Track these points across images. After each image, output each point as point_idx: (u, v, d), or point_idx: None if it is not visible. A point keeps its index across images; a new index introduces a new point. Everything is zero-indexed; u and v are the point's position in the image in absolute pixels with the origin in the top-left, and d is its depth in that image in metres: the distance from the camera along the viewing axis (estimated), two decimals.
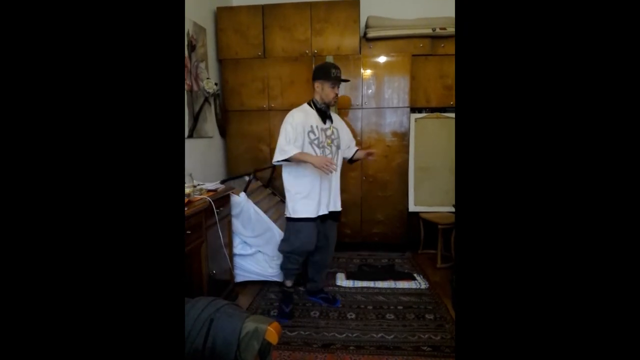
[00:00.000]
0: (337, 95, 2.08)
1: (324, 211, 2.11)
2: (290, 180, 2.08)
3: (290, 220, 2.11)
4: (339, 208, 2.22)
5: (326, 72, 2.03)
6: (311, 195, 2.06)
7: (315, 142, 2.02)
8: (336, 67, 2.06)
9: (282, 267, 2.25)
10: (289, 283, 2.24)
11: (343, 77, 2.07)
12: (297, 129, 1.97)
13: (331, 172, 1.92)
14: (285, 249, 2.17)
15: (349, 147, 2.29)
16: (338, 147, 2.14)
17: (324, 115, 2.10)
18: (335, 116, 2.24)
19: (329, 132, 2.09)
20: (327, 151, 2.07)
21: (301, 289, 2.48)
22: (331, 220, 2.20)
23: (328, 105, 2.09)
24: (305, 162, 1.93)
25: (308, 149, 2.01)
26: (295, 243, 2.11)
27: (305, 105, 2.11)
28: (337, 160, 2.12)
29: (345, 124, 2.33)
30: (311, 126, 2.02)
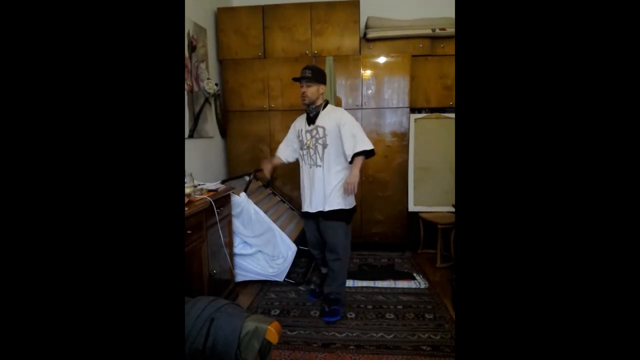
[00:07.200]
0: (303, 93, 2.09)
1: (307, 209, 2.20)
2: None
3: None
4: (324, 208, 2.11)
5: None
6: (301, 192, 2.26)
7: (301, 145, 2.21)
8: (305, 68, 2.10)
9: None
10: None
11: (300, 77, 2.09)
12: (290, 132, 2.30)
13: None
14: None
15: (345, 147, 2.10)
16: (324, 146, 2.08)
17: (309, 117, 2.17)
18: (332, 116, 2.09)
19: (313, 133, 2.14)
20: (312, 152, 2.15)
21: (301, 288, 2.49)
22: (322, 218, 2.14)
23: (309, 106, 2.12)
24: None
25: (300, 153, 2.26)
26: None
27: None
28: (322, 158, 2.09)
29: (349, 123, 2.06)
30: (299, 131, 2.21)
